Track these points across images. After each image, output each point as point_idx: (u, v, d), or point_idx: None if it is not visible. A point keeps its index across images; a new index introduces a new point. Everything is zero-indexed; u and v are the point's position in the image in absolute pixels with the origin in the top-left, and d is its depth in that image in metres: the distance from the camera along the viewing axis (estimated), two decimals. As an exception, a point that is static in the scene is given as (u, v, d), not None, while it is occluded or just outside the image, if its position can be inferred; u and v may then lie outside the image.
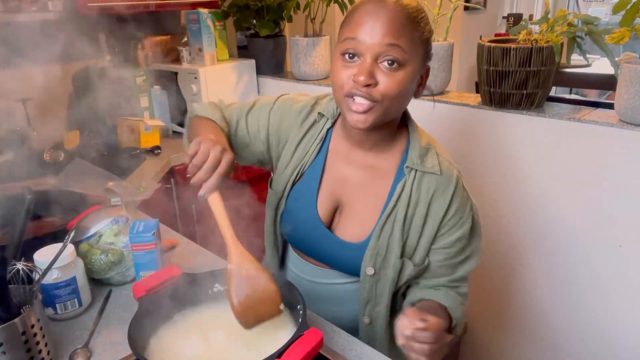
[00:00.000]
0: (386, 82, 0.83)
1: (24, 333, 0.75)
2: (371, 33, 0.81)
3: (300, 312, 0.78)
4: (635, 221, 1.33)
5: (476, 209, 0.98)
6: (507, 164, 1.53)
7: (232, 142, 1.04)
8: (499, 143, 1.54)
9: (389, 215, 0.94)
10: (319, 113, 1.02)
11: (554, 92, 3.80)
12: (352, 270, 0.99)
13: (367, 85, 0.82)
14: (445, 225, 0.95)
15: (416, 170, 0.93)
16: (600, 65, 3.70)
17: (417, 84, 0.90)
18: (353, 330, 1.05)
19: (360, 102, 0.84)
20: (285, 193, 1.03)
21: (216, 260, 1.16)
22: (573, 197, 1.43)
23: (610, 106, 1.40)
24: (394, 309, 1.02)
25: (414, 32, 0.84)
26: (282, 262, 1.15)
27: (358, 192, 0.98)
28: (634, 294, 1.38)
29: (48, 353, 0.80)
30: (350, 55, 0.84)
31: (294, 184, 1.03)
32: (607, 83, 3.38)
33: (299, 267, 1.09)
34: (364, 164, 0.98)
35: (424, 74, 0.92)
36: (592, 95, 4.05)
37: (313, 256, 1.04)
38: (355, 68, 0.83)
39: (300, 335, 0.72)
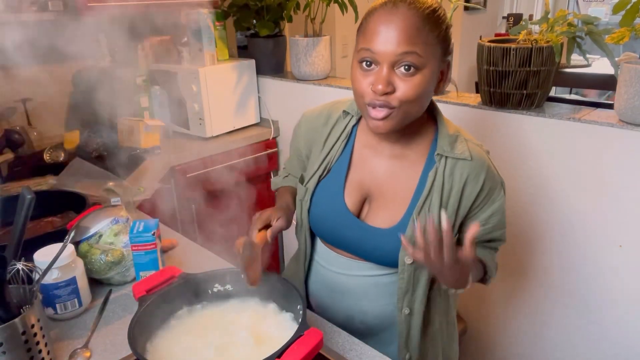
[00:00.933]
0: (403, 88, 0.84)
1: (24, 333, 0.75)
2: (385, 42, 0.83)
3: (300, 312, 0.78)
4: (635, 221, 1.33)
5: (504, 186, 1.02)
6: (506, 164, 1.53)
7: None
8: (499, 143, 1.54)
9: (423, 203, 0.95)
10: (343, 111, 1.06)
11: (554, 92, 3.79)
12: (384, 258, 0.99)
13: (386, 94, 0.84)
14: (477, 206, 0.97)
15: (447, 158, 0.95)
16: (600, 65, 3.70)
17: (437, 80, 0.90)
18: (378, 325, 1.07)
19: (379, 110, 0.86)
20: (310, 187, 1.05)
21: (216, 260, 1.17)
22: (573, 197, 1.43)
23: (610, 106, 1.40)
24: (429, 297, 1.03)
25: (430, 34, 0.84)
26: (310, 257, 1.15)
27: (387, 181, 1.00)
28: (634, 294, 1.38)
29: (48, 353, 0.80)
30: (368, 64, 0.86)
31: (319, 179, 1.05)
32: (607, 83, 3.38)
33: (327, 259, 1.09)
34: (392, 154, 1.00)
35: (445, 68, 0.92)
36: (592, 95, 4.05)
37: (344, 248, 1.04)
38: (372, 76, 0.86)
39: (301, 335, 0.72)
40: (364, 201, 1.02)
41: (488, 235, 1.02)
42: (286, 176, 1.22)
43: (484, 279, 1.07)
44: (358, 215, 1.02)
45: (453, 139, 0.96)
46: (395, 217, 0.97)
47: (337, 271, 1.07)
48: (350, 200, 1.01)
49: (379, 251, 0.98)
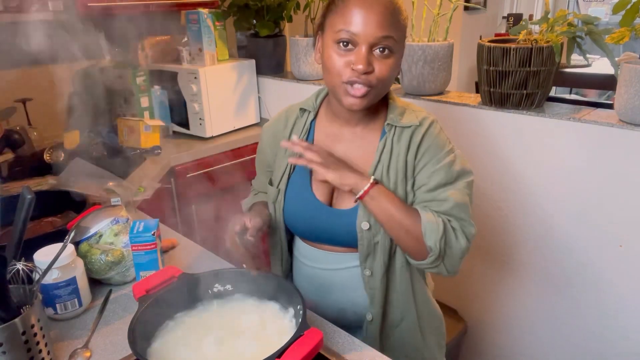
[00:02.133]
0: (381, 68, 0.90)
1: (24, 333, 0.75)
2: (366, 25, 0.87)
3: (300, 312, 0.78)
4: (635, 221, 1.33)
5: (460, 155, 1.00)
6: (507, 164, 1.53)
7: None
8: (499, 143, 1.54)
9: (374, 170, 0.99)
10: (300, 108, 1.09)
11: (554, 92, 3.79)
12: (352, 238, 1.01)
13: (366, 73, 0.89)
14: (420, 163, 0.99)
15: (395, 127, 0.99)
16: (600, 65, 3.70)
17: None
18: (358, 322, 1.08)
19: (359, 88, 0.90)
20: (282, 187, 1.07)
21: (216, 260, 1.16)
22: (573, 197, 1.43)
23: (610, 106, 1.40)
24: (390, 264, 1.04)
25: (401, 21, 0.91)
26: (290, 255, 1.16)
27: (351, 163, 1.02)
28: (634, 294, 1.38)
29: (48, 353, 0.80)
30: (345, 44, 0.90)
31: (289, 176, 1.07)
32: (607, 83, 3.38)
33: (309, 257, 1.10)
34: (353, 137, 1.03)
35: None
36: (592, 95, 4.05)
37: (321, 240, 1.06)
38: (351, 56, 0.90)
39: (301, 335, 0.72)
40: (333, 189, 1.04)
41: (431, 194, 0.97)
42: (256, 194, 1.24)
43: (419, 233, 0.94)
44: (330, 201, 1.04)
45: (402, 110, 1.01)
46: None
47: (321, 267, 1.08)
48: (319, 190, 1.04)
49: (350, 234, 1.00)
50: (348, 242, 1.03)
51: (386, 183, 0.98)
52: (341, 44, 0.90)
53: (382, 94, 0.96)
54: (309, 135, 1.07)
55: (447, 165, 0.97)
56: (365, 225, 0.99)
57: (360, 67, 0.88)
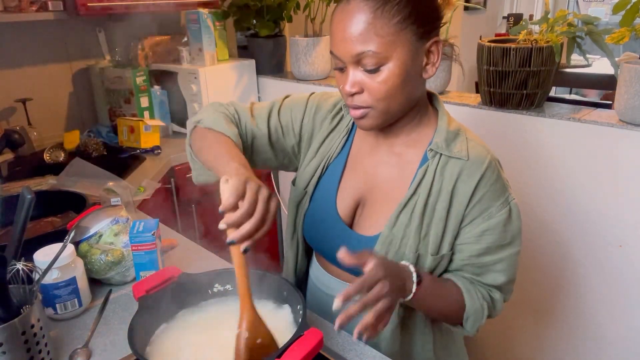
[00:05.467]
0: (370, 86, 0.80)
1: (24, 333, 0.75)
2: (340, 44, 0.80)
3: (300, 312, 0.78)
4: (635, 221, 1.33)
5: (516, 208, 0.88)
6: (506, 164, 1.53)
7: (258, 143, 1.00)
8: (499, 143, 1.53)
9: (407, 202, 0.87)
10: (345, 106, 1.01)
11: (554, 92, 3.79)
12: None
13: (354, 94, 0.82)
14: (469, 215, 0.86)
15: (441, 155, 0.87)
16: (600, 65, 3.70)
17: (421, 65, 0.82)
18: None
19: (354, 111, 0.84)
20: (310, 189, 0.98)
21: (216, 260, 1.16)
22: (573, 197, 1.43)
23: (610, 106, 1.40)
24: (405, 315, 0.93)
25: (388, 23, 0.77)
26: (306, 272, 1.09)
27: (381, 184, 0.93)
28: (634, 294, 1.38)
29: (48, 353, 0.80)
30: (339, 66, 0.84)
31: (319, 179, 0.98)
32: (607, 83, 3.37)
33: (320, 279, 1.02)
34: (390, 154, 0.93)
35: (431, 49, 0.82)
36: (592, 95, 4.05)
37: (330, 259, 0.97)
38: (344, 77, 0.83)
39: (300, 335, 0.72)
40: (357, 207, 0.95)
41: (479, 260, 0.88)
42: (232, 125, 0.95)
43: (460, 318, 0.90)
44: (352, 221, 0.95)
45: (452, 135, 0.88)
46: (381, 222, 0.89)
47: (330, 293, 0.99)
48: (343, 205, 0.94)
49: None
50: (360, 273, 0.90)
51: (415, 220, 0.86)
52: (337, 68, 0.84)
53: (395, 109, 0.84)
54: (348, 137, 0.98)
55: (501, 224, 0.86)
56: None
57: (346, 88, 0.81)
